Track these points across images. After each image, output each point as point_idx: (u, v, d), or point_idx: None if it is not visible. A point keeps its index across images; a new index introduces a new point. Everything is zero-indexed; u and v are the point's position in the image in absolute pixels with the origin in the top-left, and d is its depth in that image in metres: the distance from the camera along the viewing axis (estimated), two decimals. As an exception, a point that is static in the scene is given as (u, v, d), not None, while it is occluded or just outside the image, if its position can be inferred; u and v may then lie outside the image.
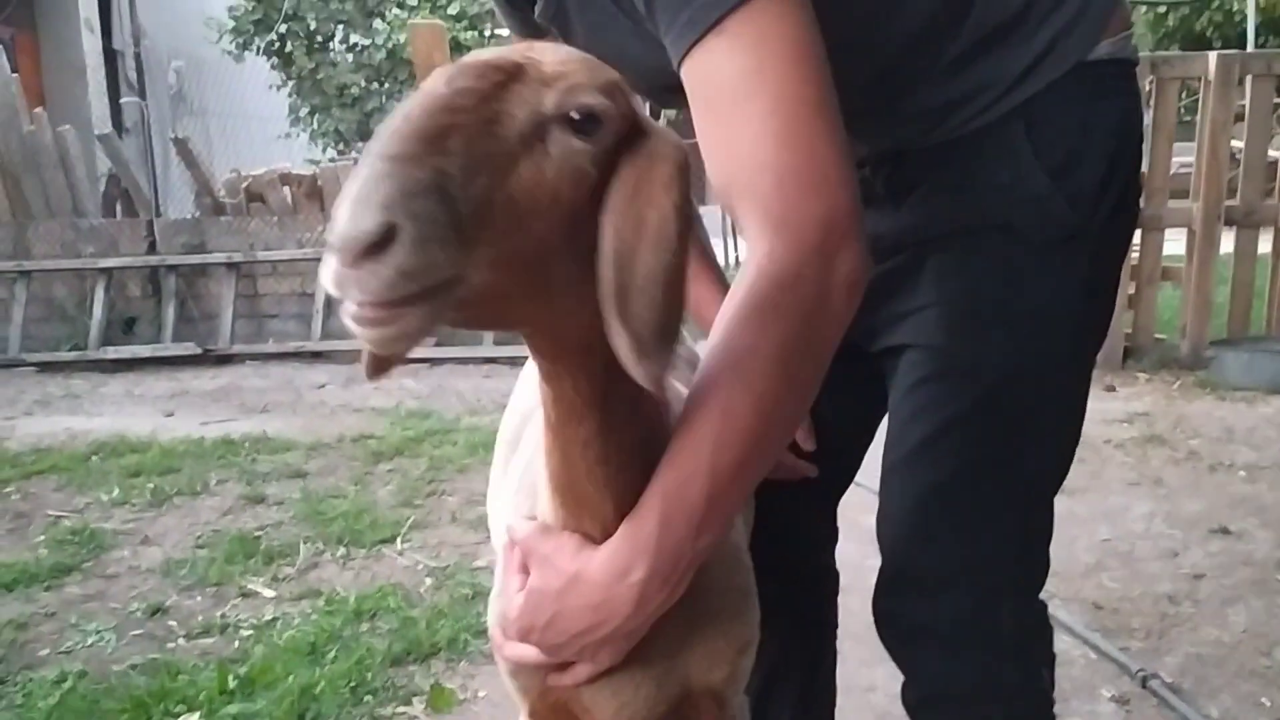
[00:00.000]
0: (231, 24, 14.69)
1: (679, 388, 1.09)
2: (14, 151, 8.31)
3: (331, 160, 11.73)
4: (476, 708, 2.37)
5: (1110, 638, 2.61)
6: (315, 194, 8.09)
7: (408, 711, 2.35)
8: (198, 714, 2.28)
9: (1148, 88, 5.64)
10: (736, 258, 10.24)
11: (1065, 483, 1.26)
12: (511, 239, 0.72)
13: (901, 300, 1.23)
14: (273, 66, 15.00)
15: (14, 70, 8.62)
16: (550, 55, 0.79)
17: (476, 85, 0.73)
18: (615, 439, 0.92)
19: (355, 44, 14.96)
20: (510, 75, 0.76)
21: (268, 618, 2.93)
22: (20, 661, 2.70)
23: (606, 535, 0.93)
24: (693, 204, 0.84)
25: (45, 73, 12.50)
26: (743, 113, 0.92)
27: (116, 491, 4.25)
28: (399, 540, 3.60)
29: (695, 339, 1.49)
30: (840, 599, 1.61)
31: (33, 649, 2.79)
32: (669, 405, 0.99)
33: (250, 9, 14.58)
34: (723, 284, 1.45)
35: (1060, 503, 1.24)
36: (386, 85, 14.56)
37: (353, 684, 2.41)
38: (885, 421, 1.31)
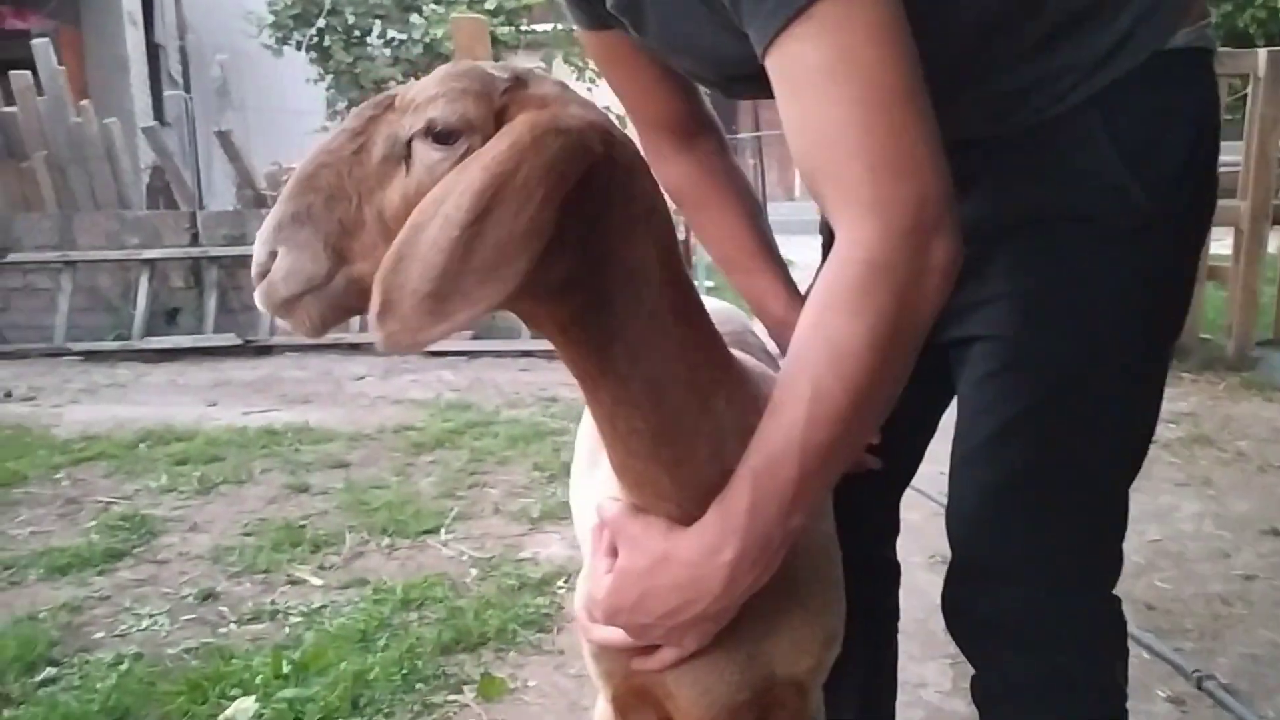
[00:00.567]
0: (271, 19, 14.82)
1: (758, 368, 1.09)
2: (60, 144, 8.44)
3: (369, 154, 11.77)
4: (527, 697, 2.39)
5: (1163, 638, 2.59)
6: (355, 187, 8.14)
7: (458, 700, 2.37)
8: (253, 697, 2.31)
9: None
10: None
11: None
12: (391, 238, 0.80)
13: (971, 291, 1.22)
14: (311, 61, 15.13)
15: (60, 64, 8.74)
16: (421, 83, 0.85)
17: (351, 125, 0.86)
18: (648, 417, 0.91)
19: (392, 39, 15.06)
20: (382, 109, 0.86)
21: (316, 605, 2.96)
22: (76, 644, 2.75)
23: (684, 518, 0.94)
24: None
25: (88, 67, 12.68)
26: (830, 98, 0.92)
27: (164, 479, 4.31)
28: (442, 531, 3.62)
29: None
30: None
31: (87, 632, 2.84)
32: (744, 387, 0.98)
33: (289, 4, 14.71)
34: (786, 278, 1.45)
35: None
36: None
37: (404, 671, 2.43)
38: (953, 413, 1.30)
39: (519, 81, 0.85)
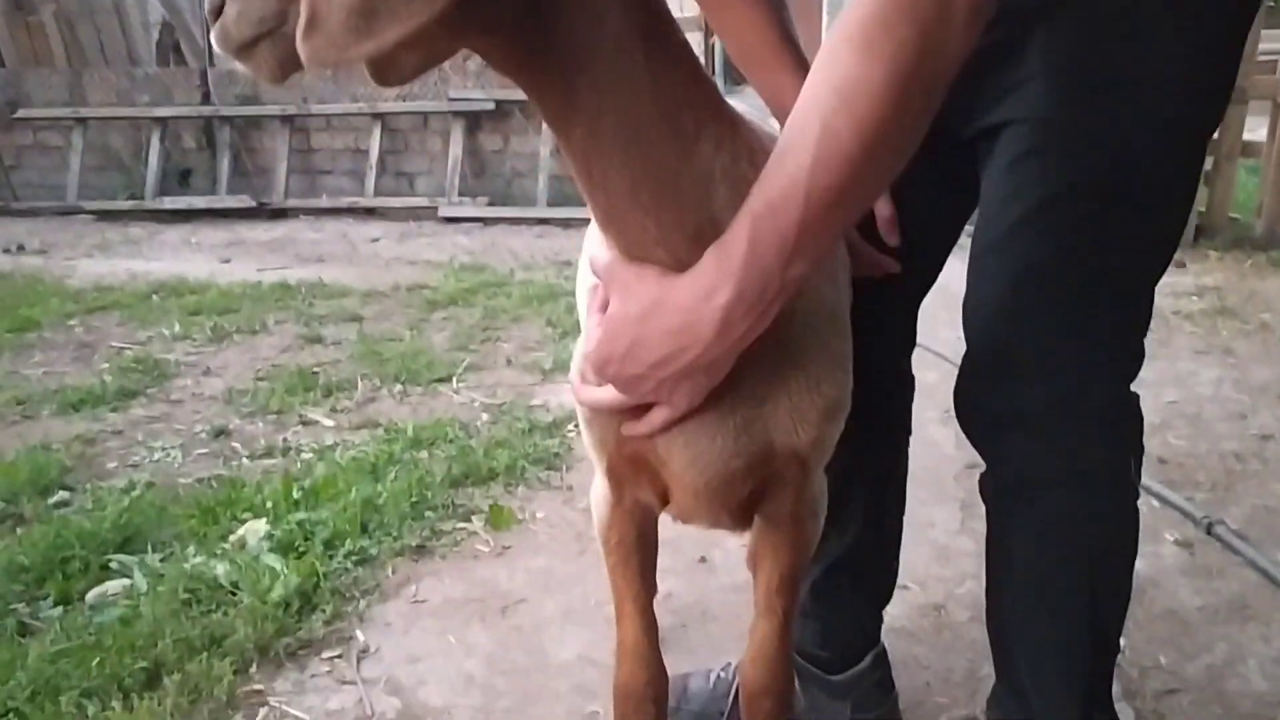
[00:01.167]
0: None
1: (759, 125, 1.03)
2: (69, -3, 8.25)
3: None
4: (534, 528, 2.40)
5: (1175, 490, 2.57)
6: (369, 47, 7.96)
7: (467, 528, 2.38)
8: (263, 519, 2.32)
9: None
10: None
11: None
12: None
13: (1004, 74, 1.15)
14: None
15: (67, -87, 8.49)
16: None
17: None
18: (625, 160, 0.87)
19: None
20: None
21: (328, 443, 2.97)
22: (89, 473, 2.77)
23: (675, 266, 0.89)
24: None
25: (97, -78, 12.32)
26: None
27: (178, 327, 4.30)
28: (455, 380, 3.61)
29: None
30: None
31: (100, 462, 2.86)
32: (737, 134, 0.93)
33: None
34: (804, 70, 1.38)
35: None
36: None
37: (414, 500, 2.44)
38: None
39: None
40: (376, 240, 6.69)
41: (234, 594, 1.99)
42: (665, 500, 1.08)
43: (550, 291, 4.98)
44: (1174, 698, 1.74)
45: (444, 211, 7.45)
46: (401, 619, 1.98)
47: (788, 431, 1.02)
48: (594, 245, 1.08)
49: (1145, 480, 2.55)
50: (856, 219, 0.93)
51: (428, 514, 2.41)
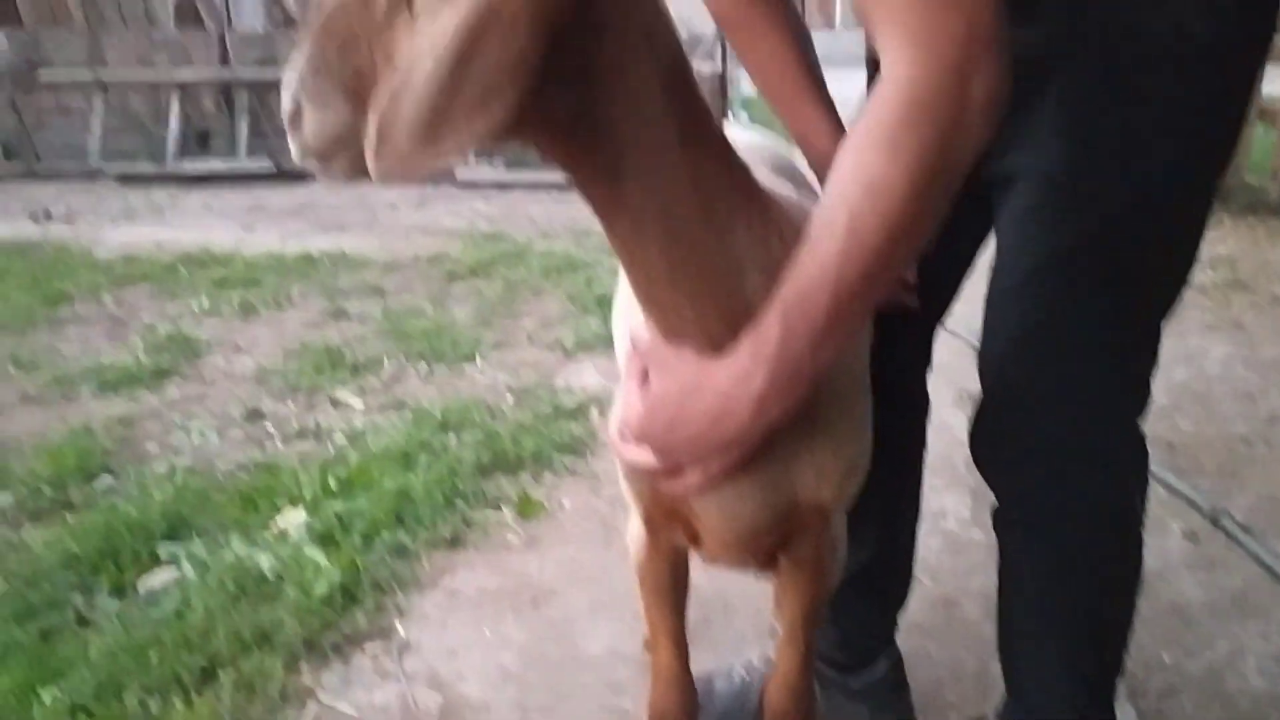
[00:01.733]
0: None
1: (789, 199, 1.09)
2: (86, -43, 8.25)
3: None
4: (561, 517, 2.49)
5: (1182, 477, 2.64)
6: (386, 8, 7.96)
7: (497, 517, 2.47)
8: (301, 508, 2.42)
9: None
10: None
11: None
12: None
13: (1021, 121, 1.20)
14: None
15: None
16: None
17: None
18: (664, 249, 0.93)
19: None
20: None
21: (358, 426, 3.06)
22: (130, 455, 2.87)
23: (710, 346, 0.96)
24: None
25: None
26: None
27: (206, 302, 4.39)
28: (478, 358, 3.69)
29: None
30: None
31: (140, 444, 2.96)
32: (768, 217, 0.99)
33: None
34: (831, 111, 1.43)
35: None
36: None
37: (445, 489, 2.53)
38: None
39: None
40: (395, 207, 6.75)
41: (279, 585, 2.10)
42: (697, 543, 1.16)
43: (569, 263, 5.04)
44: (1176, 698, 1.82)
45: (462, 175, 7.49)
46: (439, 611, 2.09)
47: (812, 488, 1.09)
48: (630, 310, 1.15)
49: (1153, 467, 2.62)
50: (885, 304, 0.99)
51: (459, 504, 2.50)
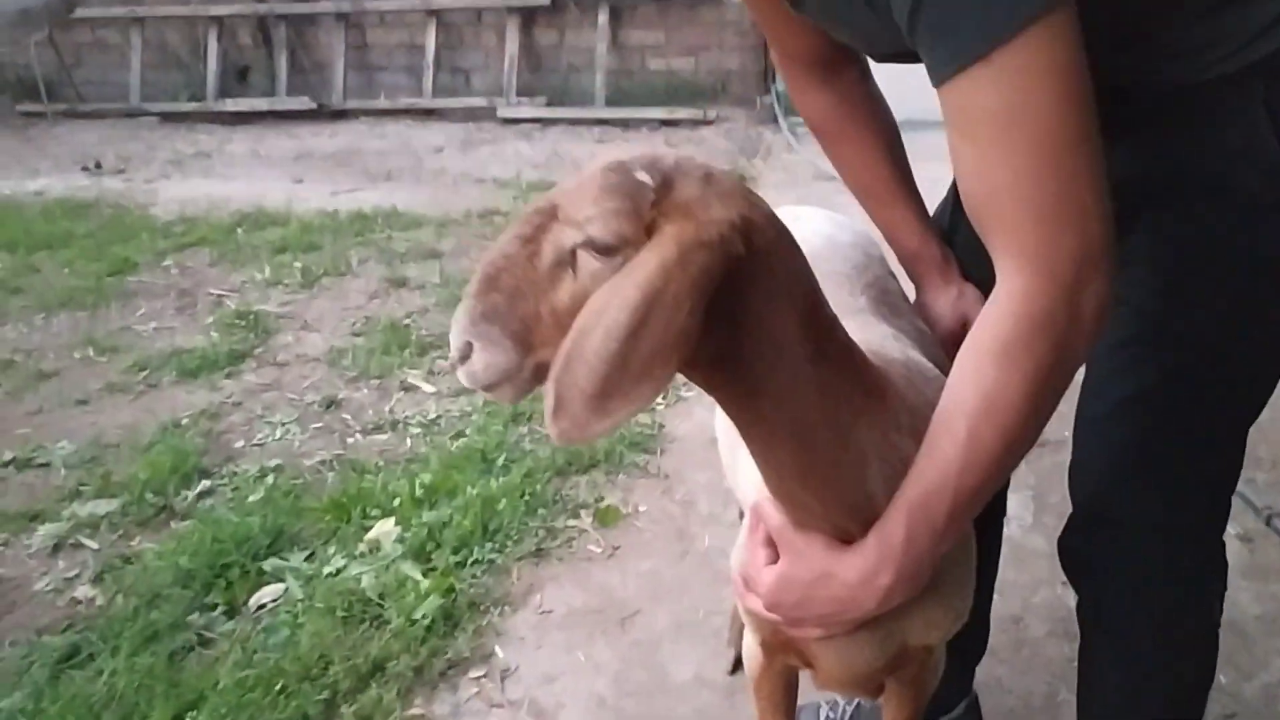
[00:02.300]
0: None
1: (901, 369, 1.16)
2: (118, -109, 8.16)
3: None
4: (639, 523, 2.61)
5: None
6: (423, -59, 7.85)
7: (577, 525, 2.60)
8: (393, 519, 2.56)
9: None
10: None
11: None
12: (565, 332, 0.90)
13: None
14: None
15: None
16: (579, 192, 0.91)
17: (522, 232, 0.94)
18: (795, 454, 1.01)
19: None
20: (547, 217, 0.93)
21: (431, 415, 3.18)
22: (221, 453, 3.01)
23: (834, 531, 1.05)
24: (687, 300, 0.86)
25: None
26: (1003, 146, 0.95)
27: (268, 271, 4.50)
28: (539, 333, 3.78)
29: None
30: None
31: (228, 440, 3.10)
32: (885, 408, 1.07)
33: None
34: (920, 210, 1.49)
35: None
36: None
37: (525, 496, 2.65)
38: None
39: (665, 185, 0.90)
40: (440, 150, 6.77)
41: (381, 609, 2.24)
42: (810, 668, 1.27)
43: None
44: (1232, 723, 1.94)
45: (502, 112, 7.48)
46: (532, 632, 2.22)
47: (921, 635, 1.20)
48: (748, 468, 1.23)
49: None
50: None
51: (539, 511, 2.62)
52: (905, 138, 1.52)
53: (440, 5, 7.76)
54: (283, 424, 3.18)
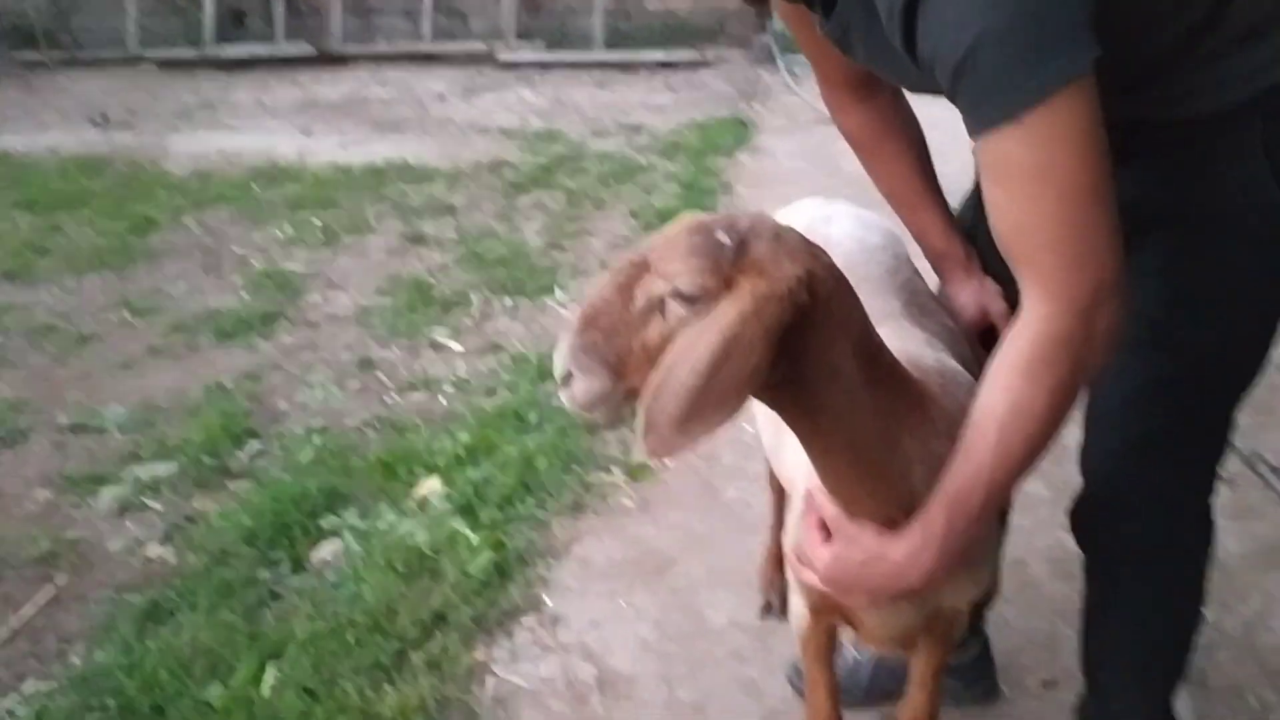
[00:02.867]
0: None
1: (937, 380, 1.33)
2: None
3: None
4: (668, 479, 2.79)
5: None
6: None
7: (610, 480, 2.78)
8: (438, 479, 2.74)
9: None
10: None
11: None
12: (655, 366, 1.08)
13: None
14: None
15: None
16: (668, 247, 1.10)
17: (619, 281, 1.12)
18: (850, 460, 1.20)
19: None
20: (639, 270, 1.11)
21: (461, 374, 3.36)
22: (267, 415, 3.18)
23: (881, 520, 1.23)
24: (754, 345, 1.04)
25: None
26: (1032, 195, 1.11)
27: (289, 229, 4.62)
28: (556, 289, 3.95)
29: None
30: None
31: (272, 402, 3.27)
32: (926, 416, 1.25)
33: None
34: (946, 213, 1.65)
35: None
36: None
37: (561, 453, 2.84)
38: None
39: (742, 245, 1.08)
40: (443, 98, 6.84)
41: (437, 562, 2.43)
42: (853, 627, 1.47)
43: (625, 168, 5.22)
44: (1214, 655, 2.15)
45: (502, 56, 7.53)
46: (577, 582, 2.42)
47: (953, 600, 1.40)
48: (796, 459, 1.41)
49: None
50: None
51: (574, 467, 2.81)
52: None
53: (437, -53, 7.78)
54: (322, 385, 3.34)
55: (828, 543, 1.27)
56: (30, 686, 2.14)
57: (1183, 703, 1.94)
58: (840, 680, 1.99)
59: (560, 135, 5.83)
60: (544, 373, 3.29)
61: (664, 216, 4.46)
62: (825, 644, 1.56)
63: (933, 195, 1.66)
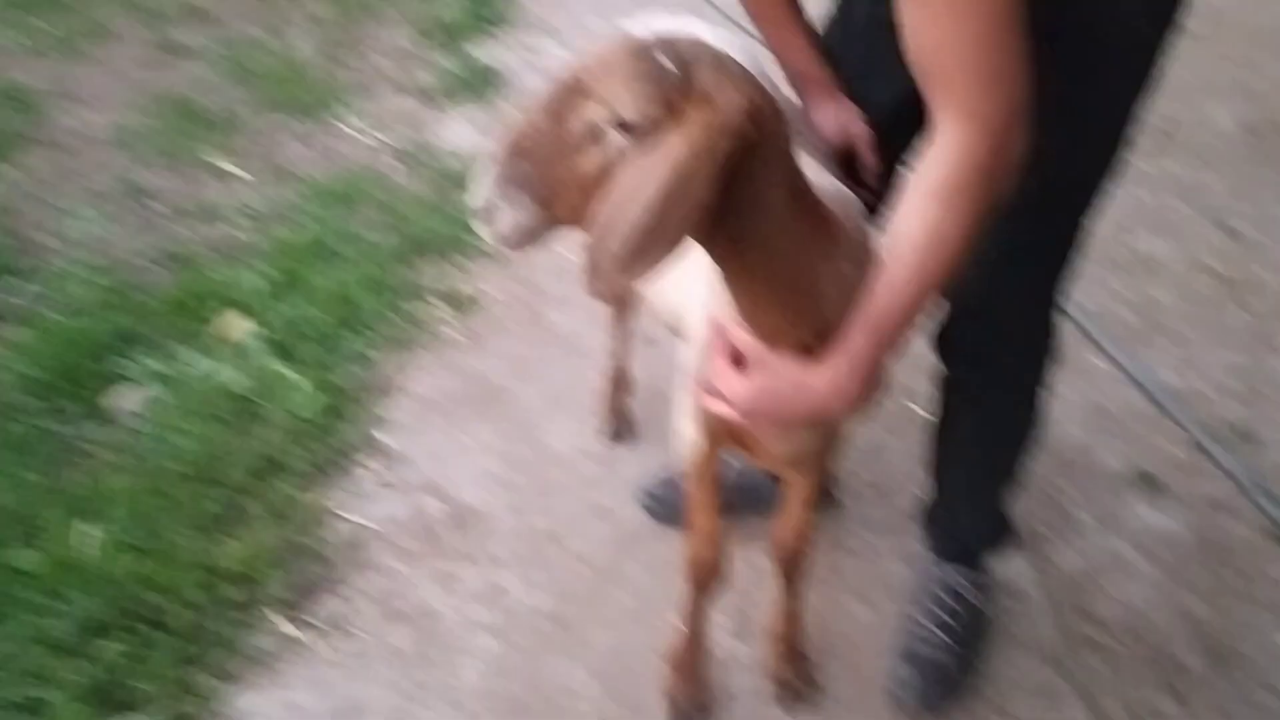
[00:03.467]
0: None
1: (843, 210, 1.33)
2: None
3: None
4: (492, 309, 2.70)
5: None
6: None
7: (435, 312, 2.67)
8: (241, 314, 2.54)
9: None
10: None
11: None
12: (588, 197, 1.04)
13: None
14: None
15: None
16: (603, 69, 1.02)
17: (549, 106, 1.04)
18: (775, 289, 1.19)
19: None
20: (572, 93, 1.03)
21: (254, 204, 3.08)
22: (25, 249, 2.82)
23: (798, 348, 1.24)
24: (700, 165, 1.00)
25: None
26: (955, 14, 1.10)
27: (17, 35, 4.02)
28: (342, 108, 3.66)
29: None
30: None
31: (29, 235, 2.89)
32: (840, 247, 1.24)
33: None
34: (809, 35, 1.62)
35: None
36: None
37: (375, 285, 2.69)
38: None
39: (686, 72, 1.01)
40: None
41: (257, 405, 2.28)
42: (747, 451, 1.48)
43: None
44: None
45: None
46: (412, 419, 2.35)
47: (845, 422, 1.44)
48: (700, 291, 1.38)
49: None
50: None
51: (395, 301, 2.67)
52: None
53: None
54: (87, 215, 2.99)
55: (746, 374, 1.27)
56: None
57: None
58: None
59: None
60: (343, 198, 3.08)
61: (450, 31, 4.21)
62: (715, 468, 1.58)
63: (795, 13, 1.63)
